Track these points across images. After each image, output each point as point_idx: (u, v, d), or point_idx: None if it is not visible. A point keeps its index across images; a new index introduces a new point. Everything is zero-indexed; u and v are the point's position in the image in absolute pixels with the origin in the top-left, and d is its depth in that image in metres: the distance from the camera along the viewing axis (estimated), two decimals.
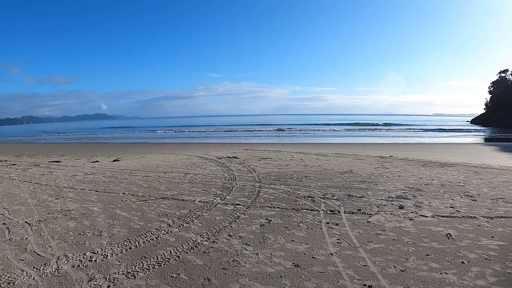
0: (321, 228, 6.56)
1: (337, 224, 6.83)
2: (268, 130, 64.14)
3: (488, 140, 42.00)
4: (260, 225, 6.78)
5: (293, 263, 5.07)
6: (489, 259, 5.27)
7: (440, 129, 68.54)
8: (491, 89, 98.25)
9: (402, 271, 4.81)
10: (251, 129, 69.54)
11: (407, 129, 68.26)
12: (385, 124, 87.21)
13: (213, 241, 5.89)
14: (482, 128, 76.78)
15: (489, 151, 24.32)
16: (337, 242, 5.86)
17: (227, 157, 17.40)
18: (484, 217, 7.52)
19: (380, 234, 6.30)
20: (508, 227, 6.86)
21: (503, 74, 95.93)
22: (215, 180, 11.47)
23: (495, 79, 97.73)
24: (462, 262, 5.13)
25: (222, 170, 13.47)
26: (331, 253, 5.40)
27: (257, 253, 5.41)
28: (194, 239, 5.98)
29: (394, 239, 6.03)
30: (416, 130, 64.61)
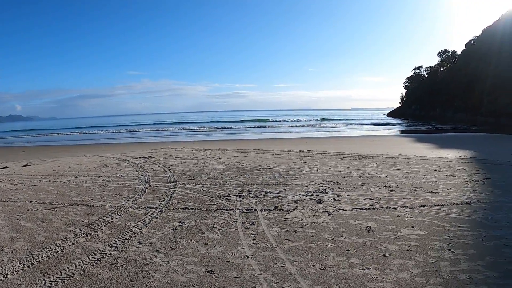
0: (237, 229, 6.33)
1: (253, 223, 6.64)
2: (185, 129, 63.12)
3: (404, 132, 45.26)
4: (173, 229, 6.42)
5: (206, 269, 4.77)
6: (411, 250, 5.38)
7: (359, 123, 72.56)
8: (406, 84, 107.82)
9: (322, 269, 4.70)
10: (170, 128, 68.33)
11: (329, 124, 71.19)
12: (322, 120, 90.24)
13: (122, 250, 5.45)
14: (398, 121, 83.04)
15: (405, 142, 26.08)
16: (253, 243, 5.65)
17: (143, 157, 16.82)
18: (403, 207, 7.81)
19: (298, 231, 6.20)
20: (427, 216, 7.15)
21: (417, 70, 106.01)
22: (129, 182, 10.97)
23: (410, 75, 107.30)
24: (384, 255, 5.17)
25: (137, 171, 12.97)
26: (246, 256, 5.16)
27: (168, 261, 5.05)
28: (101, 249, 5.51)
29: (313, 236, 5.96)
30: (335, 125, 67.61)
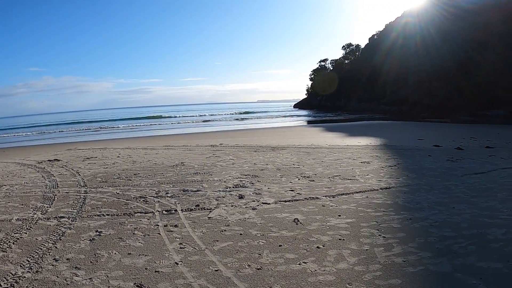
0: (160, 233, 5.92)
1: (176, 226, 6.26)
2: (91, 128, 59.58)
3: (312, 122, 46.92)
4: (90, 240, 5.80)
5: (135, 283, 4.33)
6: (343, 239, 5.45)
7: (267, 115, 73.97)
8: (312, 76, 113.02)
9: (258, 269, 4.53)
10: (75, 128, 63.95)
11: (235, 117, 71.45)
12: (244, 112, 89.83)
13: (37, 271, 4.76)
14: (306, 111, 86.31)
15: (316, 132, 26.99)
16: (180, 248, 5.30)
17: (48, 160, 15.46)
18: (326, 196, 7.95)
19: (225, 230, 5.97)
20: (351, 204, 7.33)
21: (322, 63, 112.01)
22: (35, 190, 9.91)
23: (315, 67, 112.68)
24: (318, 247, 5.15)
25: (43, 176, 11.82)
26: (176, 263, 4.81)
27: (90, 278, 4.51)
28: (13, 272, 4.75)
29: (241, 234, 5.78)
30: (242, 118, 68.10)
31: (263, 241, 5.45)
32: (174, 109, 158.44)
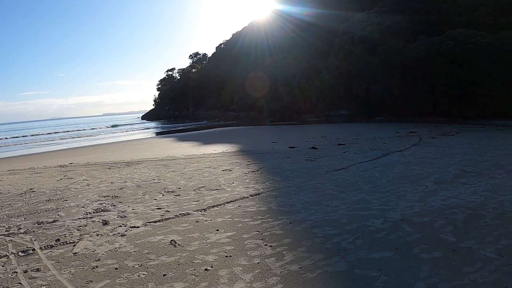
0: (21, 283, 4.81)
1: (38, 270, 5.17)
2: None
3: (163, 133, 45.98)
4: None
5: None
6: (230, 256, 5.20)
7: (116, 129, 70.77)
8: (159, 86, 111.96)
9: None
10: None
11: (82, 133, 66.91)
12: (91, 129, 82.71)
13: None
14: (154, 123, 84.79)
15: (169, 143, 26.37)
16: None
17: None
18: (197, 210, 7.62)
19: (97, 266, 5.19)
20: (226, 215, 7.11)
21: (170, 72, 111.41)
22: None
23: (163, 77, 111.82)
24: (206, 270, 4.80)
25: None
26: None
27: None
28: None
29: (117, 268, 5.07)
30: (90, 132, 64.13)
31: (143, 272, 4.85)
32: (14, 127, 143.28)
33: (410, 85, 31.43)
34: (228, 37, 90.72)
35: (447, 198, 7.85)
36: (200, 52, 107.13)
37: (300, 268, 4.59)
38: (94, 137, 48.75)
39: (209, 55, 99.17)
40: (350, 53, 35.52)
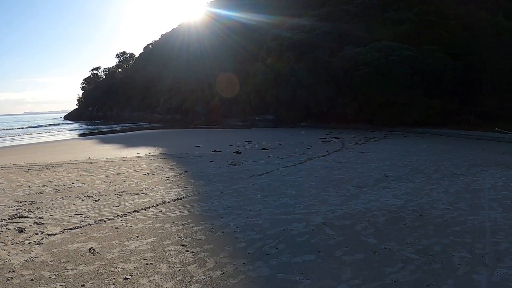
0: None
1: None
2: None
3: (86, 134, 44.17)
4: None
5: None
6: (151, 263, 5.06)
7: (37, 129, 66.92)
8: (84, 85, 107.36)
9: None
10: None
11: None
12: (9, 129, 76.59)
13: None
14: (77, 123, 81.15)
15: (91, 145, 25.41)
16: None
17: None
18: (117, 216, 7.40)
19: (11, 278, 4.83)
20: (147, 221, 6.97)
21: (95, 71, 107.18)
22: None
23: (87, 76, 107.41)
24: (126, 279, 4.64)
25: None
26: None
27: None
28: None
29: (32, 279, 4.77)
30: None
31: (61, 283, 4.60)
32: None
33: (335, 92, 32.61)
34: (156, 37, 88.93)
35: (368, 201, 8.18)
36: (127, 52, 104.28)
37: (222, 274, 4.56)
38: (13, 137, 45.87)
39: (137, 55, 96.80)
40: (278, 58, 36.17)
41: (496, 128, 27.75)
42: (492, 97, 31.07)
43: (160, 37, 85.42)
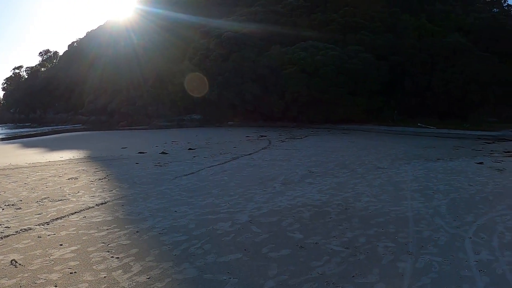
0: None
1: None
2: None
3: (6, 139, 41.49)
4: None
5: None
6: (75, 272, 4.89)
7: None
8: (5, 85, 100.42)
9: None
10: None
11: None
12: None
13: None
14: None
15: (11, 150, 23.98)
16: None
17: None
18: (39, 225, 7.08)
19: None
20: (70, 228, 6.74)
21: (17, 71, 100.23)
22: None
23: (9, 76, 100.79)
24: None
25: None
26: None
27: None
28: None
29: None
30: None
31: None
32: None
33: (262, 91, 32.89)
34: (82, 35, 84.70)
35: (294, 197, 8.34)
36: (51, 50, 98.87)
37: (149, 278, 4.50)
38: None
39: (61, 53, 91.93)
40: (205, 58, 35.92)
41: (419, 124, 29.59)
42: (414, 95, 33.11)
43: (85, 34, 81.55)
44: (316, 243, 5.63)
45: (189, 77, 36.32)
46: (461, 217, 7.01)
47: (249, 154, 15.53)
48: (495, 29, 42.63)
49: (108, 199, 8.74)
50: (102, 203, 8.36)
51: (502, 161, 13.74)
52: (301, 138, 22.06)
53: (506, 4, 60.24)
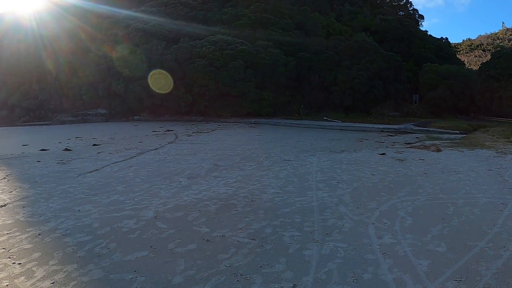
0: None
1: None
2: None
3: None
4: None
5: None
6: None
7: None
8: None
9: None
10: None
11: None
12: None
13: None
14: None
15: None
16: None
17: None
18: None
19: None
20: None
21: None
22: None
23: None
24: None
25: None
26: None
27: None
28: None
29: None
30: None
31: None
32: None
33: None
34: None
35: (200, 191, 8.38)
36: None
37: (53, 283, 4.33)
38: None
39: None
40: (112, 50, 34.48)
41: (324, 117, 30.87)
42: (320, 90, 34.53)
43: None
44: (222, 236, 5.73)
45: (94, 69, 34.68)
46: (364, 204, 7.43)
47: (155, 149, 15.32)
48: (399, 31, 46.35)
49: (8, 201, 8.18)
50: (1, 206, 7.82)
51: (403, 152, 14.69)
52: (208, 132, 22.11)
53: (412, 8, 65.52)
